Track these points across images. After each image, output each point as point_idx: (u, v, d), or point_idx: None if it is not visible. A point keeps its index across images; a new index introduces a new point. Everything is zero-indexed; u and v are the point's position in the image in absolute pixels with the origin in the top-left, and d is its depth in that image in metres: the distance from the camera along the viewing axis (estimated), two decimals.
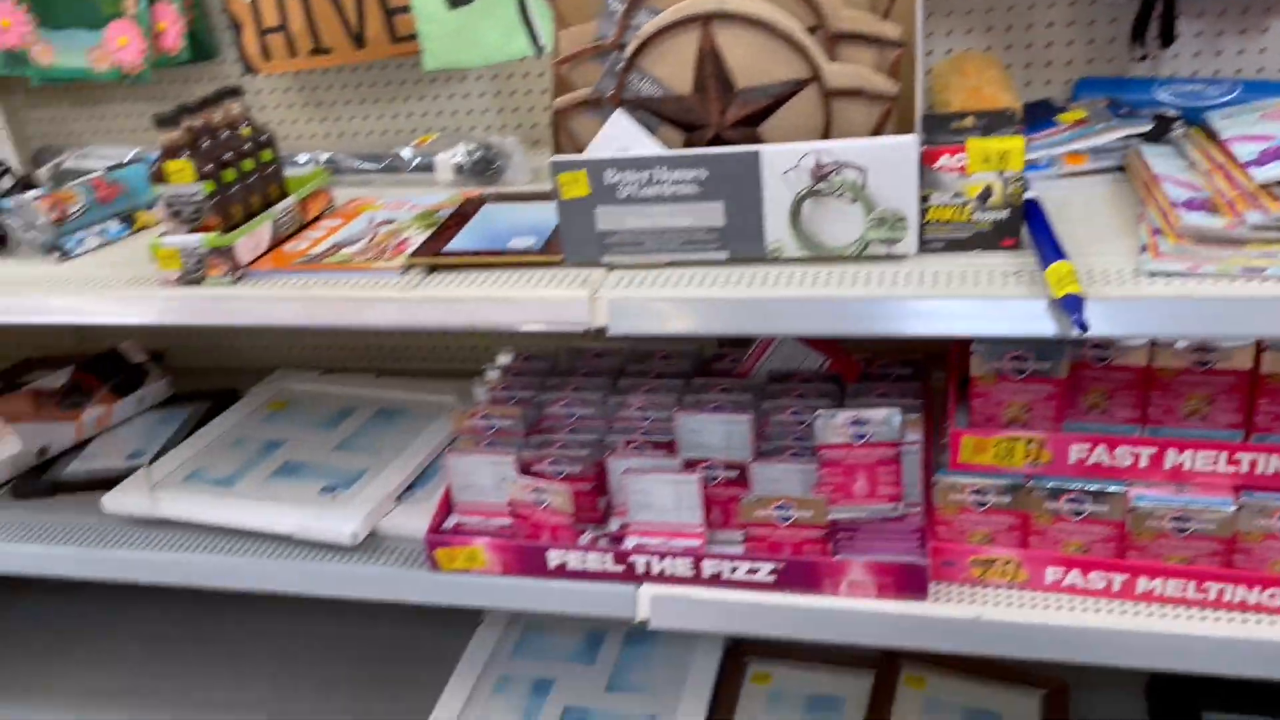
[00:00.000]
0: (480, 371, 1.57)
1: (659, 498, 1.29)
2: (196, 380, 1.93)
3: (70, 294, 1.30)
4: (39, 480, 1.66)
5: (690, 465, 1.31)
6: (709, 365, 1.50)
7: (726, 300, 1.08)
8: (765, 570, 1.24)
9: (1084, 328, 0.96)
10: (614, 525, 1.35)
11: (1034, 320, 1.00)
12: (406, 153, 1.55)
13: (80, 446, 1.75)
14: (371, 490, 1.49)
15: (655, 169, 1.11)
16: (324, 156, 1.58)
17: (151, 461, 1.65)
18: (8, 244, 1.44)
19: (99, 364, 1.82)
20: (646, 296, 1.11)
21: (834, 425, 1.23)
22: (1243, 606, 1.14)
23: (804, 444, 1.32)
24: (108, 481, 1.63)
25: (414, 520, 1.44)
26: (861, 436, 1.23)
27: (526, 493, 1.30)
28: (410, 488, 1.53)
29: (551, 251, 1.20)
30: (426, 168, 1.53)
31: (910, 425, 1.26)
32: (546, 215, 1.24)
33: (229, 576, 1.44)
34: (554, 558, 1.30)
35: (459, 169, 1.49)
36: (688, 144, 1.16)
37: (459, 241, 1.26)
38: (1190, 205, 1.05)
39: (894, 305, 1.03)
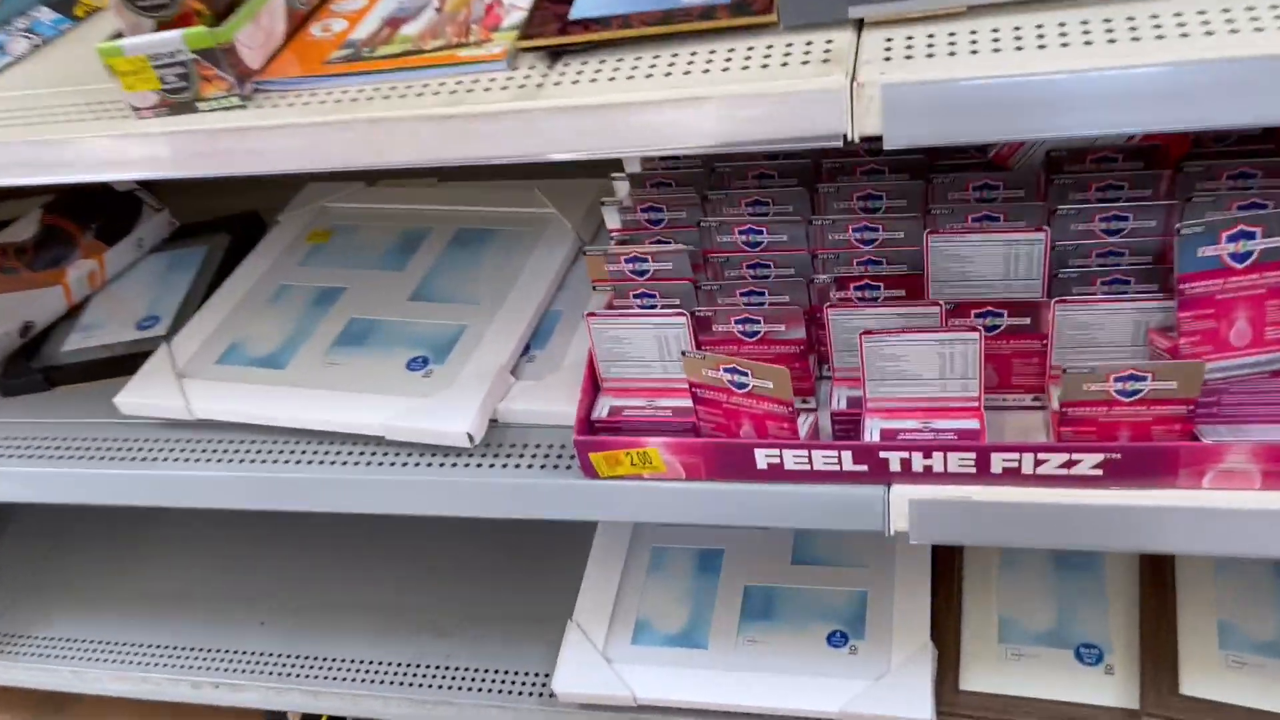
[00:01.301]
0: (595, 167, 1.12)
1: (915, 364, 0.88)
2: (202, 203, 1.48)
3: None
4: (27, 368, 1.26)
5: (957, 312, 0.89)
6: (942, 152, 1.03)
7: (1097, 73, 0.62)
8: (1088, 463, 0.85)
9: None
10: (838, 399, 0.95)
11: None
12: None
13: (72, 315, 1.34)
14: (479, 361, 1.08)
15: None
16: None
17: (170, 334, 1.24)
18: None
19: (74, 202, 1.37)
20: (950, 76, 0.65)
21: (1203, 239, 0.79)
22: None
23: (1118, 265, 0.89)
24: (115, 364, 1.24)
25: (545, 400, 1.05)
26: (1247, 256, 0.80)
27: (713, 371, 0.89)
28: (527, 348, 1.12)
29: (756, 5, 0.73)
30: None
31: None
32: None
33: (301, 497, 1.07)
34: (764, 457, 0.91)
35: None
36: None
37: (589, 2, 0.79)
38: None
39: None
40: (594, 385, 1.00)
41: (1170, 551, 0.94)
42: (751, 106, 0.69)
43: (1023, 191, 0.93)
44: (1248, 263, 0.80)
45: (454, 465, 1.03)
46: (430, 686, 1.30)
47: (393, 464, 1.04)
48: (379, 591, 1.44)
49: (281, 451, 1.08)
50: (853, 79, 0.67)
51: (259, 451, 1.09)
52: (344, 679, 1.34)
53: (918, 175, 0.98)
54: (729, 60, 0.72)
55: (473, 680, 1.30)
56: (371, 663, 1.35)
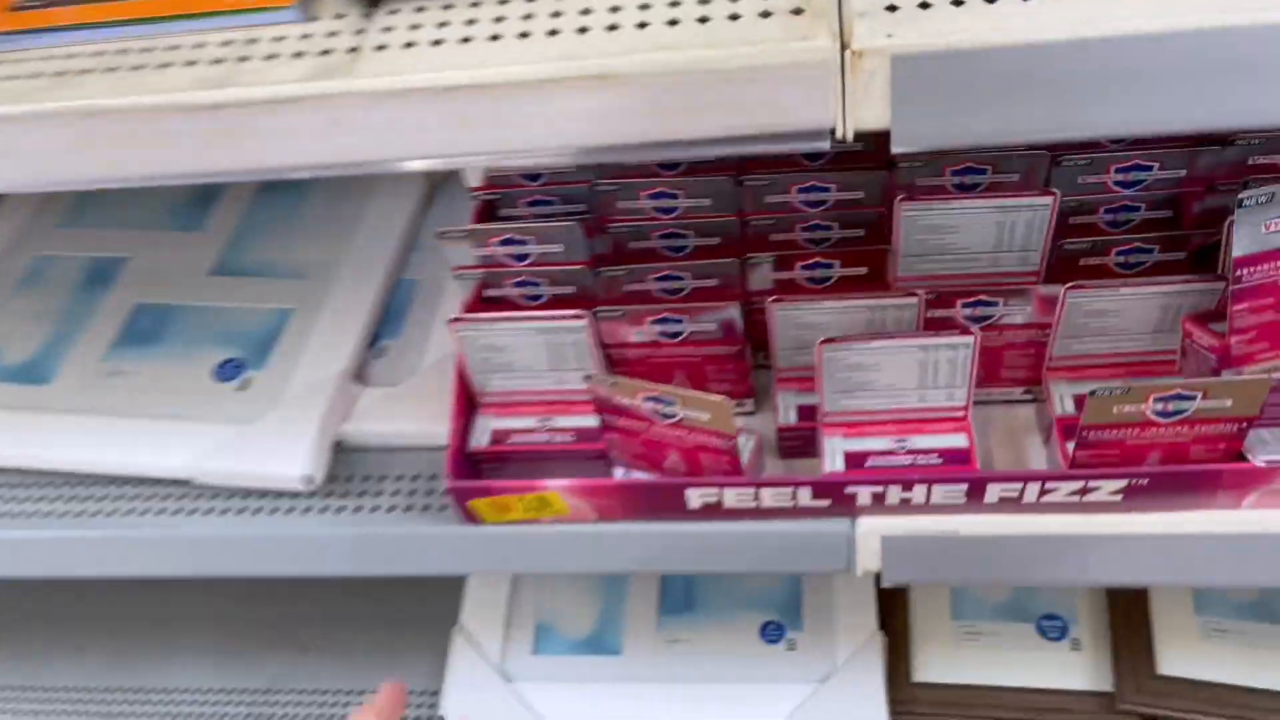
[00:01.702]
0: None
1: (889, 374, 0.68)
2: None
3: None
4: None
5: (939, 301, 0.69)
6: None
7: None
8: (1108, 489, 0.67)
9: None
10: (786, 408, 0.74)
11: None
12: None
13: None
14: (311, 363, 0.83)
15: None
16: None
17: None
18: None
19: None
20: (986, 43, 0.42)
21: (1268, 212, 0.60)
22: None
23: (1137, 235, 0.69)
24: None
25: (405, 415, 0.81)
26: None
27: (629, 399, 0.67)
28: (375, 338, 0.87)
29: None
30: None
31: None
32: None
33: (78, 561, 0.82)
34: (698, 496, 0.71)
35: None
36: None
37: None
38: None
39: None
40: (468, 402, 0.77)
41: (1205, 585, 0.79)
42: (683, 90, 0.44)
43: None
44: None
45: (289, 512, 0.79)
46: (293, 717, 1.10)
47: (207, 512, 0.80)
48: (222, 600, 1.20)
49: (52, 501, 0.82)
50: (843, 44, 0.43)
51: (18, 504, 0.82)
52: (185, 714, 1.12)
53: None
54: (646, 6, 0.47)
55: (345, 705, 1.10)
56: (219, 691, 1.13)
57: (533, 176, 0.77)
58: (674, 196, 0.72)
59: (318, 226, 0.93)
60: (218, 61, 0.49)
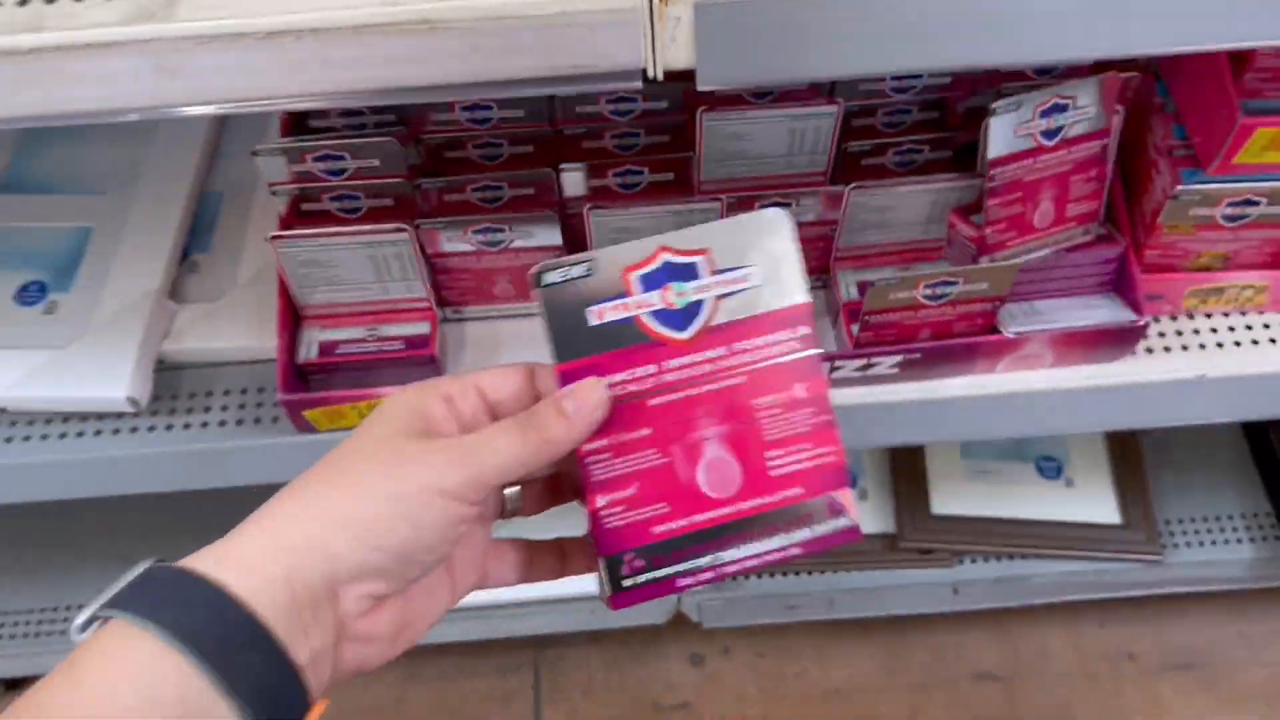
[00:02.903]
0: None
1: None
2: None
3: None
4: None
5: (740, 205, 0.74)
6: None
7: None
8: (886, 364, 0.76)
9: None
10: None
11: None
12: None
13: None
14: (121, 283, 0.81)
15: None
16: None
17: None
18: None
19: None
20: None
21: (1018, 116, 0.68)
22: None
23: (909, 137, 0.77)
24: None
25: (226, 331, 0.82)
26: (1056, 132, 0.70)
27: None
28: (185, 254, 0.86)
29: None
30: None
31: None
32: None
33: None
34: None
35: None
36: None
37: None
38: None
39: None
40: (292, 315, 0.78)
41: (970, 438, 0.90)
42: (504, 34, 0.47)
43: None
44: (1057, 139, 0.70)
45: (115, 433, 0.79)
46: None
47: (26, 439, 0.79)
48: (53, 518, 1.18)
49: None
50: None
51: None
52: (18, 634, 1.11)
53: None
54: None
55: None
56: (52, 610, 1.12)
57: None
58: (488, 109, 0.75)
59: (107, 138, 0.90)
60: (22, 3, 0.47)
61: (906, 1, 0.47)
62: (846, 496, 0.48)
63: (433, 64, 0.48)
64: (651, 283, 0.48)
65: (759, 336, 0.48)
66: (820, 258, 0.81)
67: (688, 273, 0.48)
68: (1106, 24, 0.49)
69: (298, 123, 0.77)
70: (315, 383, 0.79)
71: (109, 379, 0.77)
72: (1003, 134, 0.69)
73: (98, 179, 0.88)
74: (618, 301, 0.48)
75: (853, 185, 0.73)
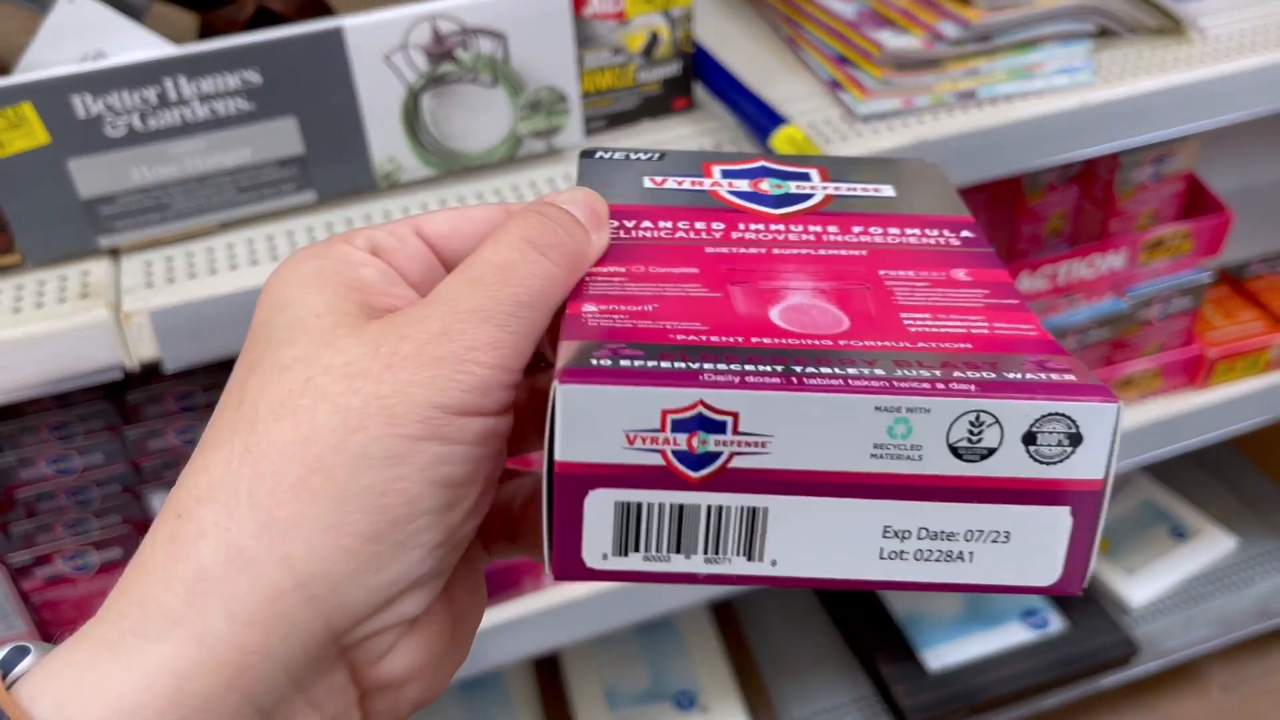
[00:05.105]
0: None
1: None
2: None
3: None
4: None
5: None
6: None
7: None
8: None
9: None
10: None
11: None
12: None
13: None
14: None
15: (167, 79, 0.65)
16: None
17: None
18: None
19: None
20: (212, 294, 0.68)
21: None
22: None
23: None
24: None
25: None
26: None
27: None
28: None
29: None
30: None
31: None
32: None
33: None
34: None
35: None
36: (208, 32, 0.70)
37: None
38: (870, 21, 0.86)
39: None
40: None
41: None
42: (7, 354, 0.65)
43: None
44: None
45: None
46: None
47: None
48: None
49: None
50: (118, 309, 0.66)
51: None
52: None
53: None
54: None
55: None
56: None
57: None
58: (71, 458, 0.90)
59: None
60: None
61: None
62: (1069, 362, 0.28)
63: None
64: (741, 175, 0.37)
65: (893, 226, 0.34)
66: None
67: (792, 176, 0.37)
68: None
69: None
70: None
71: None
72: None
73: None
74: (690, 178, 0.37)
75: None
